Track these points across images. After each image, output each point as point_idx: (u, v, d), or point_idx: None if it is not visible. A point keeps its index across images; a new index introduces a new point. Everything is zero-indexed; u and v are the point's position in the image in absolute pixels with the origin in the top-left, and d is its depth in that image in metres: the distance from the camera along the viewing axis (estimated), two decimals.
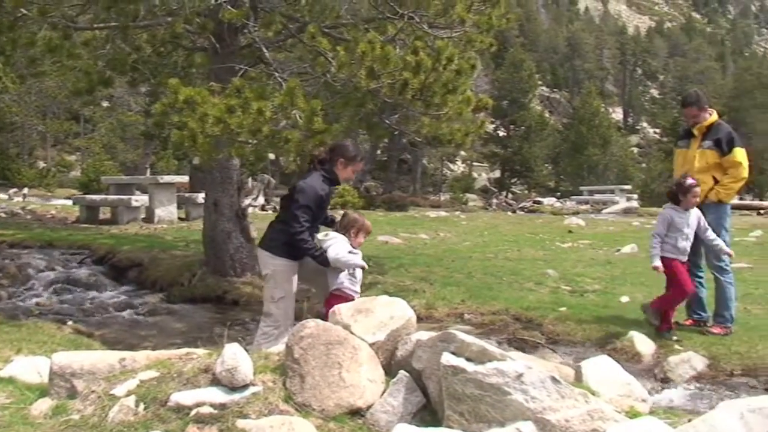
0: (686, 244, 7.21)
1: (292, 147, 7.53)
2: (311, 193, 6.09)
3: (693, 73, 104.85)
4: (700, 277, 7.66)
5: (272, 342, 5.94)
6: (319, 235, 6.24)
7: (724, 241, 7.46)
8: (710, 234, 7.29)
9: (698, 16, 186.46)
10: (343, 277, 6.15)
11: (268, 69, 8.89)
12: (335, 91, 8.48)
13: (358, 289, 6.34)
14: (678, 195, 7.17)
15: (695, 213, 7.23)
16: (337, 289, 6.13)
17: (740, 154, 7.45)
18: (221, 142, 7.78)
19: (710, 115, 7.69)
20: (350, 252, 6.13)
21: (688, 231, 7.17)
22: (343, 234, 6.26)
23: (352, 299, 5.97)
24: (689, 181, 7.16)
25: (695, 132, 7.69)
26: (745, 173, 7.48)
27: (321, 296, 6.45)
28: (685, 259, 7.26)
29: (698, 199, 7.21)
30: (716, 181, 7.47)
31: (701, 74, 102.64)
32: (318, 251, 6.04)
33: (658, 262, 7.16)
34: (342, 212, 6.77)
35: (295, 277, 6.26)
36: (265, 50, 8.92)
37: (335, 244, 6.11)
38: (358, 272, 6.29)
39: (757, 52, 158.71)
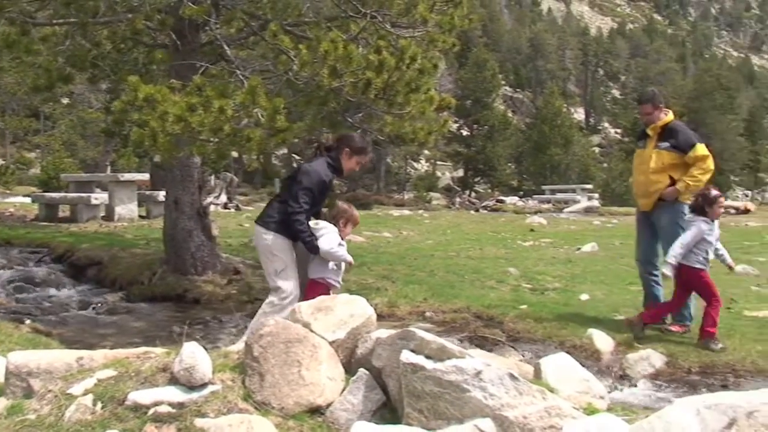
0: (712, 255, 7.30)
1: (254, 145, 7.50)
2: (315, 176, 6.15)
3: (654, 74, 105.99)
4: (656, 276, 7.73)
5: (277, 311, 5.92)
6: (310, 223, 6.23)
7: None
8: (719, 244, 7.41)
9: (659, 18, 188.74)
10: (329, 267, 6.21)
11: (230, 67, 8.84)
12: (298, 90, 8.44)
13: (341, 279, 6.42)
14: (704, 206, 7.11)
15: (716, 223, 7.26)
16: (321, 278, 6.19)
17: (702, 148, 7.49)
18: (182, 141, 7.71)
19: (666, 115, 7.73)
20: (340, 244, 6.19)
21: (715, 242, 7.25)
22: (332, 223, 6.30)
23: (335, 289, 6.20)
24: (714, 192, 7.18)
25: (650, 132, 7.75)
26: (712, 165, 7.54)
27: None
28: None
29: (722, 210, 7.30)
30: (673, 181, 7.52)
31: (662, 75, 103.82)
32: (310, 237, 6.07)
33: (670, 272, 7.08)
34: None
35: (293, 252, 6.24)
36: (226, 48, 8.86)
37: (327, 235, 6.15)
38: (343, 264, 6.34)
39: (717, 54, 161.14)
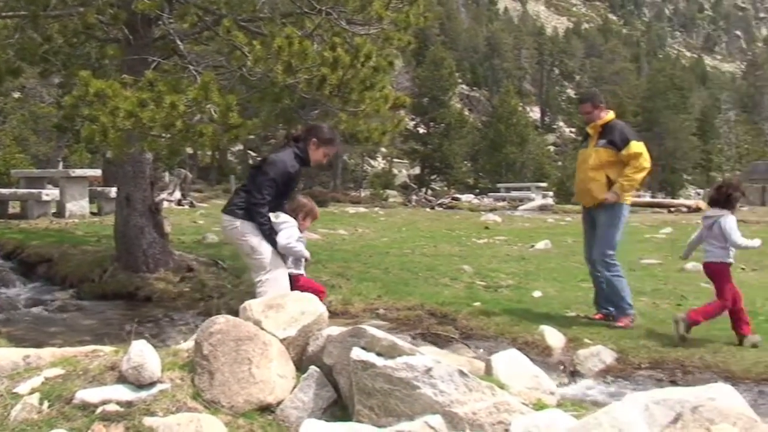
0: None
1: (207, 141, 7.45)
2: (281, 167, 6.15)
3: (608, 73, 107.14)
4: (600, 272, 7.83)
5: (273, 285, 6.01)
6: (271, 216, 6.23)
7: (614, 238, 7.67)
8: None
9: (614, 18, 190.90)
10: (290, 260, 6.28)
11: (183, 62, 8.75)
12: (251, 86, 8.41)
13: (303, 270, 6.51)
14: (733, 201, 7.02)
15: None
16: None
17: (637, 146, 7.58)
18: (133, 136, 7.63)
19: (606, 114, 7.83)
20: (299, 239, 6.24)
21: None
22: (292, 216, 6.30)
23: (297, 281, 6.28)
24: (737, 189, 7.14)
25: (590, 131, 7.89)
26: (647, 163, 7.58)
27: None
28: None
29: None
30: (610, 180, 7.61)
31: (616, 75, 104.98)
32: (269, 230, 6.11)
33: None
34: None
35: (260, 233, 6.22)
36: (179, 42, 8.77)
37: (287, 229, 6.18)
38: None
39: (671, 54, 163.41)
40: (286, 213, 6.35)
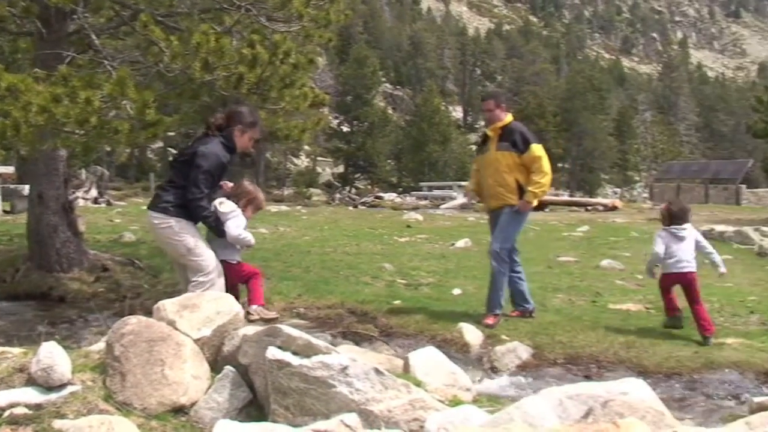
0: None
1: (123, 138, 7.28)
2: (213, 158, 5.96)
3: (529, 74, 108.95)
4: (518, 272, 7.93)
5: (209, 287, 5.80)
6: (215, 203, 6.09)
7: (513, 236, 7.83)
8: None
9: (535, 20, 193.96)
10: (236, 248, 6.21)
11: (98, 57, 8.55)
12: (169, 82, 8.26)
13: (240, 258, 6.38)
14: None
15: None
16: (231, 259, 6.20)
17: (538, 149, 7.63)
18: (46, 132, 7.43)
19: (506, 116, 7.82)
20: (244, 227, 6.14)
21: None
22: (234, 201, 6.19)
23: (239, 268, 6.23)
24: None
25: (490, 133, 7.85)
26: (547, 166, 7.64)
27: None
28: None
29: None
30: (518, 184, 7.65)
31: (537, 75, 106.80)
32: (215, 222, 6.00)
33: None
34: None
35: (197, 230, 6.08)
36: (94, 37, 8.56)
37: (234, 218, 6.06)
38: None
39: (590, 55, 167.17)
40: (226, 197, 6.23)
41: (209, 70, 7.54)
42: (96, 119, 7.07)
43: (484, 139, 8.04)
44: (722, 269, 7.76)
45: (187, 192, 5.90)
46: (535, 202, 7.78)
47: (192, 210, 5.93)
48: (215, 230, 6.04)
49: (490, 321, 7.59)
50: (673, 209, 7.66)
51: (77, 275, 10.09)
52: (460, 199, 38.52)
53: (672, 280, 7.55)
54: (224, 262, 6.14)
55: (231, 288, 6.08)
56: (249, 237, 6.18)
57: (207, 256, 5.97)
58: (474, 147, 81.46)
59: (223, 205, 6.10)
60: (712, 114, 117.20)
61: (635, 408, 3.42)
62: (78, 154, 10.70)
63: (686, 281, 7.45)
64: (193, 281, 5.92)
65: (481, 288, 9.53)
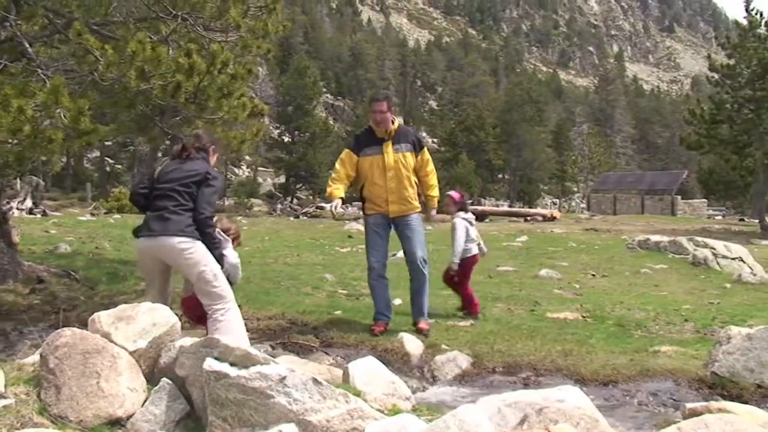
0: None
1: (57, 148, 7.14)
2: (220, 180, 6.02)
3: (468, 86, 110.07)
4: (425, 273, 7.81)
5: (235, 315, 5.84)
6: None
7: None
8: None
9: (474, 33, 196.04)
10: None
11: (31, 65, 8.39)
12: (104, 91, 8.13)
13: None
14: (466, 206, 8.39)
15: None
16: None
17: (427, 151, 7.79)
18: None
19: (395, 119, 7.69)
20: None
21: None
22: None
23: None
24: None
25: (383, 135, 7.56)
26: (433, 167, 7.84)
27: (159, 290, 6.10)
28: None
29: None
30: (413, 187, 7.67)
31: (476, 87, 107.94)
32: (218, 247, 5.93)
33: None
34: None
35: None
36: (27, 45, 8.39)
37: (229, 248, 6.07)
38: None
39: (528, 68, 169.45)
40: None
41: (145, 78, 7.44)
42: (29, 128, 6.91)
43: (371, 140, 7.63)
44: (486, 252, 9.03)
45: (197, 211, 5.80)
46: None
47: (202, 228, 5.82)
48: (216, 255, 5.92)
49: (426, 326, 7.68)
50: (465, 198, 8.70)
51: (12, 287, 9.89)
52: None
53: (471, 263, 8.45)
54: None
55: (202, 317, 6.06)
56: (239, 267, 6.20)
57: (225, 281, 5.90)
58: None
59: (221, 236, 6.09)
60: (647, 126, 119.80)
61: (570, 415, 3.47)
62: (12, 164, 10.44)
63: (474, 263, 8.53)
64: (221, 308, 5.81)
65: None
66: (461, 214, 8.46)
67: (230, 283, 6.13)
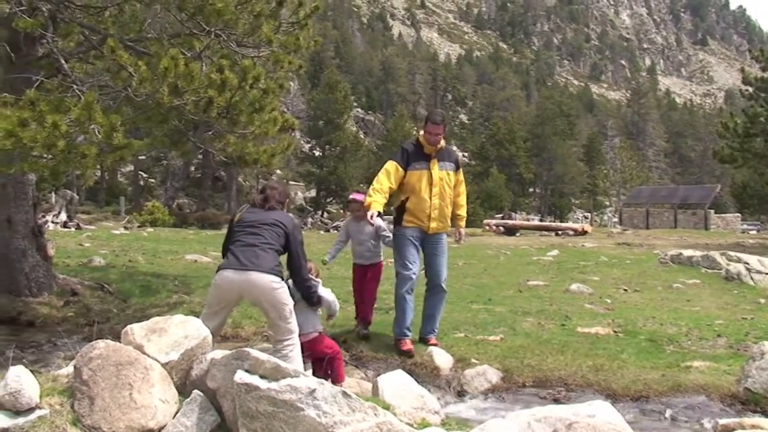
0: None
1: (90, 162, 7.26)
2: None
3: (499, 100, 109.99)
4: (444, 292, 7.95)
5: (298, 350, 5.98)
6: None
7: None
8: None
9: (505, 47, 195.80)
10: (316, 318, 6.53)
11: (67, 81, 8.52)
12: (137, 107, 8.25)
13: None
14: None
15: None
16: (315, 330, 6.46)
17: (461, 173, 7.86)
18: (14, 157, 7.39)
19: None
20: None
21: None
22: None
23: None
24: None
25: (430, 152, 7.57)
26: None
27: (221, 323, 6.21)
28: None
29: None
30: None
31: (507, 101, 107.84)
32: (315, 291, 6.34)
33: None
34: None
35: None
36: (63, 61, 8.53)
37: (321, 288, 6.47)
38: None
39: (559, 82, 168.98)
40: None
41: (178, 94, 7.54)
42: (63, 143, 7.04)
43: (417, 156, 7.59)
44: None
45: (299, 275, 6.21)
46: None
47: (305, 285, 6.26)
48: (311, 300, 6.31)
49: (436, 342, 7.72)
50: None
51: (46, 299, 10.02)
52: None
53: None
54: (307, 336, 6.32)
55: (317, 361, 6.40)
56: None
57: (295, 319, 6.04)
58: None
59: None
60: (680, 140, 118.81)
61: (600, 430, 3.47)
62: (47, 178, 10.59)
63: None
64: (288, 343, 5.93)
65: (451, 312, 9.57)
66: None
67: (330, 316, 6.83)
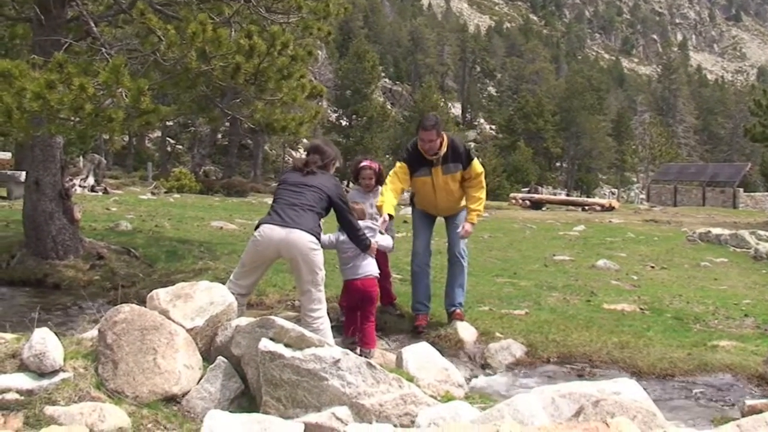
0: None
1: (117, 126, 7.23)
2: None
3: (528, 72, 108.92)
4: (463, 262, 7.86)
5: (329, 328, 6.01)
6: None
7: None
8: None
9: (535, 18, 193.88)
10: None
11: (96, 44, 8.49)
12: (166, 71, 8.21)
13: None
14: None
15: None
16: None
17: (478, 165, 7.52)
18: (41, 119, 7.39)
19: (442, 140, 7.36)
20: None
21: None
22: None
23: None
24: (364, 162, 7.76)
25: (432, 159, 7.38)
26: (484, 182, 7.61)
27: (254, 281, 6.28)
28: None
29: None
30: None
31: (536, 74, 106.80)
32: (368, 241, 6.43)
33: None
34: None
35: None
36: (92, 24, 8.50)
37: (378, 236, 6.68)
38: None
39: (589, 55, 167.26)
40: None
41: (205, 59, 7.50)
42: (90, 106, 7.02)
43: (419, 161, 7.44)
44: None
45: (351, 226, 6.34)
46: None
47: (359, 239, 6.37)
48: (365, 244, 6.40)
49: (461, 315, 7.60)
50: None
51: (72, 263, 10.07)
52: None
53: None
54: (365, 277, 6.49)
55: (350, 311, 6.61)
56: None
57: (323, 290, 6.05)
58: (472, 144, 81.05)
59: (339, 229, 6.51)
60: (710, 117, 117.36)
61: (626, 408, 3.42)
62: (74, 142, 10.59)
63: None
64: (319, 316, 5.92)
65: (476, 285, 9.56)
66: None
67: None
